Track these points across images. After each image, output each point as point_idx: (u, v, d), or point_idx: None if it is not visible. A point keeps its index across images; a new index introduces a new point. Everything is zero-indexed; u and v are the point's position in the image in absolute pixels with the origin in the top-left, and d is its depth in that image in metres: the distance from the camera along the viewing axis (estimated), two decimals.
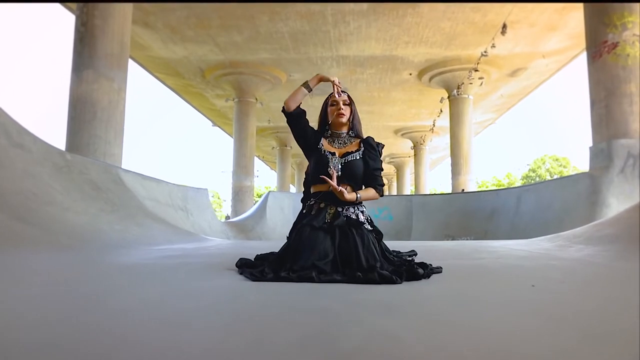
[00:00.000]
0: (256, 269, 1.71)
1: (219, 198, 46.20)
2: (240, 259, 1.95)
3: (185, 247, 3.52)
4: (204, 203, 7.97)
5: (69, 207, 3.66)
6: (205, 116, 19.51)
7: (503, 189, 9.80)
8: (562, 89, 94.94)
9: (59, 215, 3.34)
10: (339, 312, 1.08)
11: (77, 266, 2.06)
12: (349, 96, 2.03)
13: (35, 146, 3.95)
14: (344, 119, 1.97)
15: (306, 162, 2.06)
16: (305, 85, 1.98)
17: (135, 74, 15.97)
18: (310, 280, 1.51)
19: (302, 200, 2.03)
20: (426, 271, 1.64)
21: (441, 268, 1.84)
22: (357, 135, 2.02)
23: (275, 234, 8.88)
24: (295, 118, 1.96)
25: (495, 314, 1.07)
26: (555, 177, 33.02)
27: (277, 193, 11.59)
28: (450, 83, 13.69)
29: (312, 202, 1.92)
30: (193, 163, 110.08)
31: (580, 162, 39.92)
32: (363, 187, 1.96)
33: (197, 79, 14.48)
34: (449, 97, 14.19)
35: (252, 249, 3.32)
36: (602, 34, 6.55)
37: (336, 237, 1.72)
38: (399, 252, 2.43)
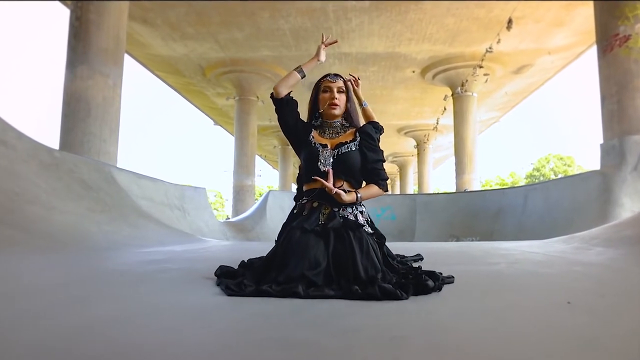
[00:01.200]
0: (236, 279, 1.47)
1: (221, 197, 46.01)
2: (220, 267, 1.69)
3: (174, 249, 3.32)
4: (202, 203, 7.77)
5: (54, 206, 3.46)
6: (206, 115, 19.33)
7: (509, 188, 9.58)
8: (566, 88, 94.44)
9: (41, 216, 3.14)
10: (327, 346, 0.83)
11: (46, 270, 1.85)
12: (345, 81, 1.77)
13: (20, 143, 3.76)
14: (337, 111, 1.71)
15: None
16: (299, 69, 1.75)
17: (134, 70, 15.86)
18: (296, 295, 1.27)
19: (295, 199, 1.79)
20: (437, 283, 1.38)
21: (453, 277, 1.60)
22: (353, 125, 1.76)
23: (275, 234, 8.56)
24: (286, 105, 1.74)
25: (535, 346, 0.84)
26: (559, 176, 32.67)
27: (277, 192, 11.38)
28: (454, 80, 13.44)
29: (304, 201, 1.67)
30: (194, 162, 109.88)
31: (584, 161, 39.61)
32: (363, 183, 1.71)
33: (198, 77, 14.32)
34: (452, 95, 13.95)
35: (247, 251, 3.10)
36: (613, 26, 6.30)
37: (330, 241, 1.47)
38: (404, 256, 2.21)
